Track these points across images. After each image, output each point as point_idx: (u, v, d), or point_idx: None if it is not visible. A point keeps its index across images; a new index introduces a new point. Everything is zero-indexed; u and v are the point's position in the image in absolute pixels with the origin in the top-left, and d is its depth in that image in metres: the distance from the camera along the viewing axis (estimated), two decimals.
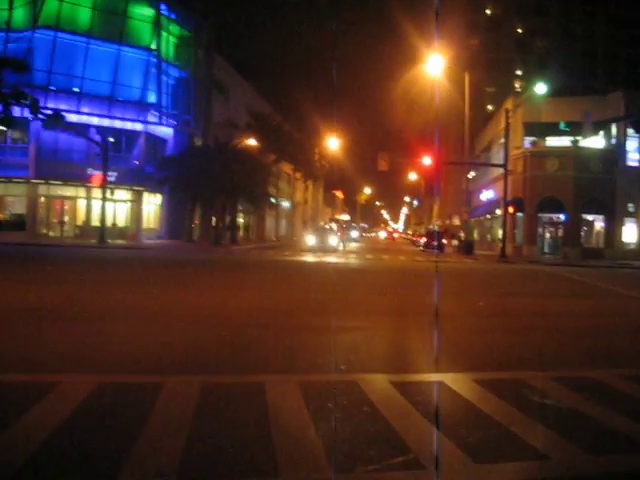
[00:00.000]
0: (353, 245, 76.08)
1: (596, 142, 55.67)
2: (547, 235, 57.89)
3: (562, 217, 55.35)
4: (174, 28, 61.60)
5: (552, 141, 58.54)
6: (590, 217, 56.37)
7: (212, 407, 7.10)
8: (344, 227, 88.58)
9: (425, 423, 6.69)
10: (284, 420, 6.68)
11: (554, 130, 56.88)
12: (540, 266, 41.25)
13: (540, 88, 48.72)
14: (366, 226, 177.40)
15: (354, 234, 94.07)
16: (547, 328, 13.57)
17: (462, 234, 66.44)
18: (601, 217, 56.13)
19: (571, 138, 56.59)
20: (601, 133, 55.71)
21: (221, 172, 53.86)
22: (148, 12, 57.66)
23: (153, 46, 57.83)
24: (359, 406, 7.27)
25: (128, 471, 5.25)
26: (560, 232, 56.22)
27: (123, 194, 56.48)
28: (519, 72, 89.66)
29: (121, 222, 57.42)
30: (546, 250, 56.47)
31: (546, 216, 56.89)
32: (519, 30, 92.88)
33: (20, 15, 52.27)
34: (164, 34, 59.56)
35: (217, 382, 8.18)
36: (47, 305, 14.83)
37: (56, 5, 52.20)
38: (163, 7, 58.89)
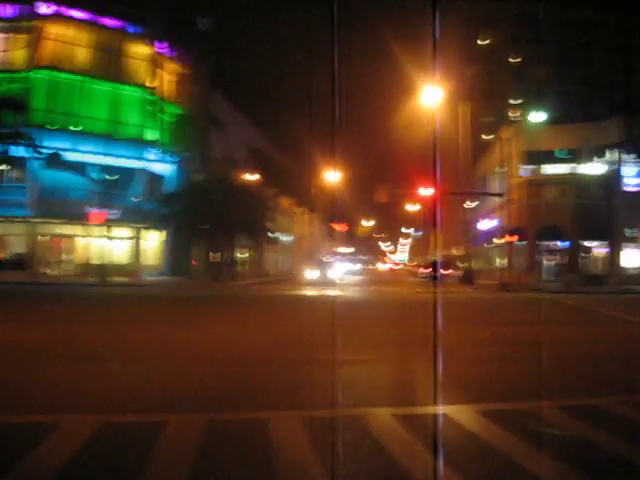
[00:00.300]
0: (354, 278, 75.91)
1: (594, 169, 55.89)
2: (547, 262, 57.82)
3: (562, 244, 55.38)
4: (171, 66, 62.01)
5: (550, 168, 58.70)
6: (590, 243, 56.37)
7: (214, 445, 7.06)
8: (344, 260, 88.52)
9: (429, 456, 6.65)
10: (287, 456, 6.64)
11: (552, 157, 57.14)
12: (541, 294, 41.16)
13: (536, 116, 49.12)
14: (367, 258, 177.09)
15: (355, 267, 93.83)
16: (548, 356, 13.49)
17: (459, 264, 66.53)
18: (601, 243, 56.15)
19: (569, 165, 56.80)
20: (599, 159, 55.97)
21: (220, 208, 53.89)
22: (145, 50, 58.08)
23: (150, 84, 58.21)
24: (362, 440, 7.23)
25: None
26: (560, 259, 56.20)
27: (123, 231, 56.54)
28: (516, 100, 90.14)
29: (121, 259, 57.36)
30: (547, 277, 56.34)
31: (546, 243, 56.89)
32: (515, 59, 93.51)
33: (18, 55, 52.60)
34: (161, 72, 59.96)
35: (219, 419, 8.14)
36: (48, 345, 14.80)
37: (53, 45, 52.58)
38: (159, 45, 59.33)
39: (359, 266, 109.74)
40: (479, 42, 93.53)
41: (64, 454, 6.53)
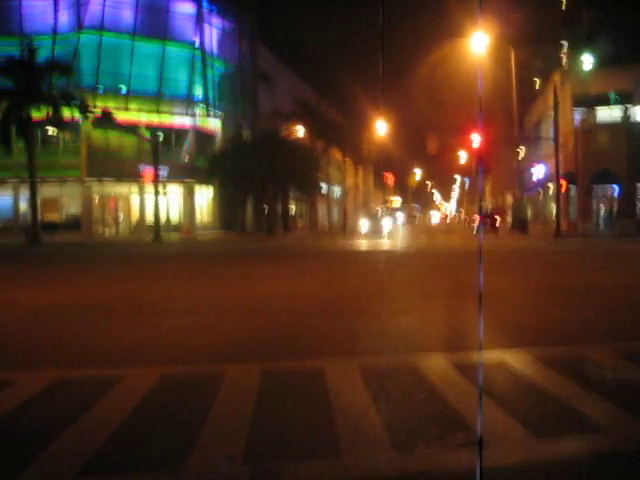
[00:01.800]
0: (404, 228, 75.69)
1: None
2: (602, 209, 56.96)
3: (616, 190, 54.46)
4: (216, 21, 61.95)
5: (603, 112, 57.55)
6: None
7: (274, 393, 7.20)
8: (395, 210, 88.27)
9: (485, 400, 6.71)
10: (345, 402, 6.76)
11: (605, 101, 55.99)
12: (596, 241, 40.76)
13: (587, 59, 48.08)
14: (418, 207, 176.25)
15: (400, 218, 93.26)
16: (603, 302, 13.45)
17: (512, 212, 66.00)
18: None
19: (622, 108, 55.63)
20: None
21: (270, 162, 54.03)
22: (190, 7, 58.06)
23: (197, 41, 58.28)
24: (418, 386, 7.32)
25: (196, 456, 5.37)
26: (615, 205, 55.31)
27: (175, 189, 57.05)
28: (566, 44, 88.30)
29: (175, 217, 58.00)
30: (601, 224, 55.57)
31: (600, 190, 55.98)
32: (564, 1, 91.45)
33: (65, 19, 52.94)
34: (207, 28, 59.95)
35: (278, 368, 8.30)
36: (107, 301, 15.16)
37: (99, 7, 52.81)
38: (204, 1, 59.26)
39: (409, 216, 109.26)
40: None
41: (127, 406, 6.72)
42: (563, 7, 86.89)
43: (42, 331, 11.64)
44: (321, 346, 9.88)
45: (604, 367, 8.06)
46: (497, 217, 65.35)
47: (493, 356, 8.58)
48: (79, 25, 52.49)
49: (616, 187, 54.05)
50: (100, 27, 52.69)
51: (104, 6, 53.01)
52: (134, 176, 52.44)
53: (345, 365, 8.32)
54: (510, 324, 11.32)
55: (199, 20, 58.47)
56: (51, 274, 23.79)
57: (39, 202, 47.72)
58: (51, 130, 51.76)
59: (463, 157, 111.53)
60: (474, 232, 62.00)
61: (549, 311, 12.92)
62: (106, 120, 48.26)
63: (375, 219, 59.13)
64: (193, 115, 58.02)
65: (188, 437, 5.77)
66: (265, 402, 6.79)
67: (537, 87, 78.49)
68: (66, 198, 55.15)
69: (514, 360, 8.47)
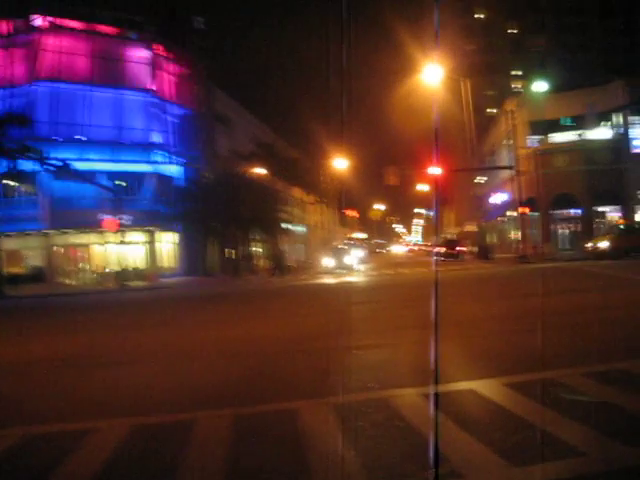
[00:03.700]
0: (369, 262, 75.81)
1: (602, 133, 55.62)
2: (563, 231, 57.63)
3: (576, 212, 55.17)
4: (172, 67, 62.06)
5: (558, 137, 58.44)
6: (604, 209, 56.12)
7: (246, 439, 7.11)
8: (358, 245, 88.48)
9: (459, 432, 6.69)
10: (319, 443, 6.69)
11: (558, 126, 56.88)
12: (559, 263, 41.10)
13: (540, 86, 48.90)
14: (382, 242, 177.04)
15: (369, 251, 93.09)
16: (571, 324, 13.53)
17: (473, 240, 66.49)
18: (614, 208, 55.88)
19: (577, 132, 56.55)
20: (606, 124, 55.71)
21: (230, 204, 54.02)
22: (144, 54, 58.14)
23: (152, 87, 58.30)
24: (392, 422, 7.29)
25: None
26: (575, 227, 56.01)
27: (137, 236, 56.71)
28: (517, 72, 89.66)
29: (138, 264, 57.55)
30: (563, 246, 56.16)
31: (560, 212, 56.68)
32: (513, 30, 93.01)
33: (19, 70, 52.80)
34: (162, 74, 60.04)
35: (249, 413, 8.20)
36: (74, 353, 14.94)
37: (52, 56, 52.77)
38: (159, 48, 59.39)
39: (376, 250, 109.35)
40: (476, 16, 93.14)
41: (97, 460, 6.61)
42: (513, 36, 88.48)
43: (7, 387, 11.45)
44: (293, 387, 9.79)
45: (577, 392, 8.08)
46: (458, 245, 65.99)
47: (465, 386, 8.60)
48: (34, 76, 52.36)
49: (576, 209, 54.75)
50: (55, 77, 52.62)
51: (58, 56, 53.00)
52: (95, 225, 52.04)
53: (318, 405, 8.25)
54: (481, 352, 11.38)
55: (153, 65, 58.58)
56: (16, 328, 23.46)
57: (1, 255, 47.27)
58: (10, 182, 51.38)
59: (423, 189, 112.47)
60: (438, 262, 62.30)
61: (518, 337, 12.94)
62: (64, 171, 47.91)
63: (338, 255, 59.21)
64: (152, 161, 57.85)
65: None
66: (238, 450, 6.70)
67: (492, 115, 79.64)
68: (27, 250, 54.65)
69: (486, 389, 8.47)
